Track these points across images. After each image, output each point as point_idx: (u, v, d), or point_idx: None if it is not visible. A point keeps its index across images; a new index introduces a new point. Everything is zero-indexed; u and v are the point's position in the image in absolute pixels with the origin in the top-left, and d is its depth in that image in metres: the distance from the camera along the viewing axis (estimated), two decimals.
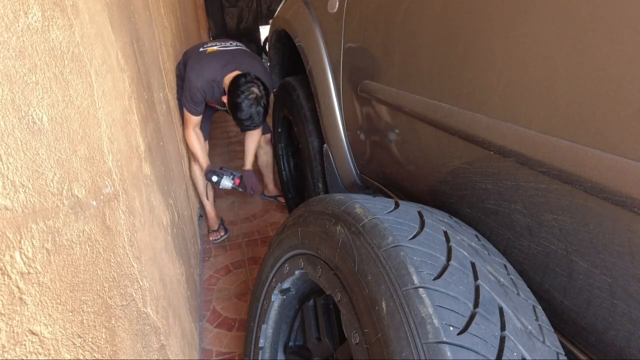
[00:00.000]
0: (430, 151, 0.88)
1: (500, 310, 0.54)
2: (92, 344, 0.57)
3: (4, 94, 0.44)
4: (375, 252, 0.59)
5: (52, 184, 0.51)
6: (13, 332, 0.42)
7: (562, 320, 0.66)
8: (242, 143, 2.33)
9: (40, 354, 0.45)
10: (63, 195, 0.54)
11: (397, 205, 0.71)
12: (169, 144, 1.57)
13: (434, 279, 0.54)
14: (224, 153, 3.45)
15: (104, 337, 0.61)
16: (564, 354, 0.58)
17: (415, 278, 0.53)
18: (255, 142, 2.21)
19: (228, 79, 1.81)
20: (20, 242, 0.44)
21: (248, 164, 2.22)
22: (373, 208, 0.68)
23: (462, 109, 0.72)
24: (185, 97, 1.88)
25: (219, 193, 2.76)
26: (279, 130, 2.27)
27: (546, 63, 0.56)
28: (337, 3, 1.25)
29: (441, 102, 0.78)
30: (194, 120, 1.97)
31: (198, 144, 2.05)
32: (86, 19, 0.70)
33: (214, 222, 2.23)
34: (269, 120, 2.39)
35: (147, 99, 1.22)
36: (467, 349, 0.47)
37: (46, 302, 0.48)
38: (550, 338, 0.58)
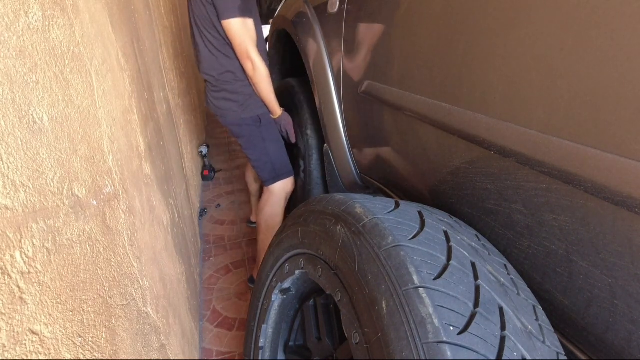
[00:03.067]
0: (431, 151, 0.88)
1: (501, 310, 0.54)
2: (93, 343, 0.57)
3: (5, 94, 0.44)
4: (376, 252, 0.59)
5: (52, 184, 0.51)
6: (13, 332, 0.42)
7: (562, 320, 0.66)
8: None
9: (40, 354, 0.45)
10: (63, 194, 0.54)
11: (397, 205, 0.71)
12: (170, 144, 1.58)
13: (434, 279, 0.54)
14: (224, 153, 3.45)
15: (104, 336, 0.61)
16: (564, 354, 0.58)
17: (415, 278, 0.53)
18: (267, 84, 1.53)
19: None
20: (20, 241, 0.44)
21: (276, 110, 1.63)
22: (373, 208, 0.68)
23: (462, 109, 0.72)
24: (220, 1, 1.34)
25: (219, 193, 2.76)
26: None
27: (546, 63, 0.56)
28: (337, 3, 1.25)
29: (442, 102, 0.78)
30: (250, 25, 1.39)
31: (270, 78, 1.51)
32: (87, 19, 0.70)
33: None
34: None
35: (148, 99, 1.22)
36: (467, 348, 0.47)
37: (46, 302, 0.48)
38: (551, 338, 0.58)
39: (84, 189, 0.60)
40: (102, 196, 0.67)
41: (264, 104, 1.59)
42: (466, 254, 0.61)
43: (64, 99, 0.57)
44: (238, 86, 1.51)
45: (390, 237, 0.59)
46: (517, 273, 0.69)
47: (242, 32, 1.38)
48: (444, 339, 0.47)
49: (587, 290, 0.58)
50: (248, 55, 1.42)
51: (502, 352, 0.49)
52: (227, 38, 1.41)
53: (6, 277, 0.41)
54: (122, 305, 0.70)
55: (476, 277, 0.57)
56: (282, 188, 1.68)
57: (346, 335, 0.62)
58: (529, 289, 0.66)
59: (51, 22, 0.56)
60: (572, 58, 0.52)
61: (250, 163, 1.70)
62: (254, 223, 2.27)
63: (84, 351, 0.55)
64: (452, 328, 0.49)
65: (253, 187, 2.18)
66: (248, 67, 1.45)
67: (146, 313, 0.82)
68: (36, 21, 0.52)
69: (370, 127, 1.15)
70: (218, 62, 1.47)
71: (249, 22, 1.40)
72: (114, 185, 0.73)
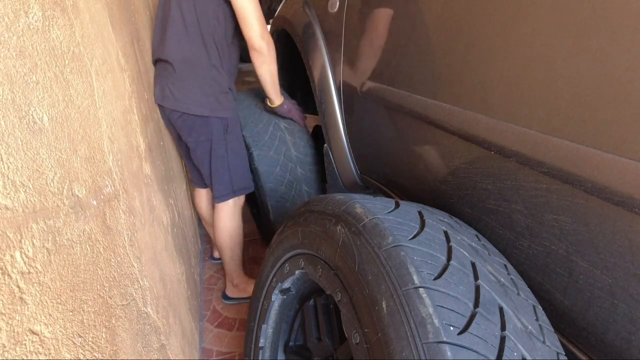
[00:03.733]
0: (431, 151, 0.88)
1: (501, 310, 0.54)
2: (93, 343, 0.57)
3: (5, 94, 0.44)
4: (376, 252, 0.59)
5: (52, 184, 0.51)
6: (13, 332, 0.42)
7: (562, 321, 0.66)
8: None
9: (40, 354, 0.45)
10: (63, 194, 0.54)
11: (397, 205, 0.71)
12: (170, 144, 1.58)
13: (435, 279, 0.54)
14: None
15: (104, 336, 0.61)
16: (564, 354, 0.58)
17: (415, 278, 0.53)
18: (271, 67, 1.37)
19: None
20: (20, 241, 0.44)
21: (276, 98, 1.52)
22: (373, 208, 0.68)
23: (462, 109, 0.72)
24: None
25: None
26: None
27: (547, 63, 0.56)
28: (337, 3, 1.25)
29: (442, 102, 0.78)
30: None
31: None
32: (86, 19, 0.70)
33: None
34: None
35: (148, 99, 1.22)
36: (468, 348, 0.47)
37: (46, 302, 0.48)
38: (551, 338, 0.58)
39: (84, 189, 0.60)
40: (102, 196, 0.67)
41: (233, 107, 1.41)
42: (466, 254, 0.61)
43: (64, 99, 0.57)
44: (213, 74, 1.32)
45: (390, 237, 0.59)
46: (517, 273, 0.69)
47: (259, 8, 1.21)
48: (444, 339, 0.47)
49: (587, 290, 0.58)
50: (263, 34, 1.24)
51: (502, 352, 0.49)
52: (218, 17, 1.25)
53: (6, 277, 0.41)
54: (122, 305, 0.70)
55: (476, 277, 0.57)
56: (236, 200, 1.55)
57: (346, 335, 0.62)
58: (529, 289, 0.66)
59: (51, 22, 0.56)
60: (572, 58, 0.52)
61: (203, 172, 1.48)
62: (219, 259, 1.95)
63: (84, 351, 0.55)
64: (452, 328, 0.49)
65: (208, 213, 1.78)
66: (263, 47, 1.26)
67: (146, 313, 0.82)
68: (36, 21, 0.52)
69: (371, 127, 1.15)
70: (190, 41, 1.27)
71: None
72: (114, 185, 0.73)
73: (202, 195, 1.72)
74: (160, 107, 1.38)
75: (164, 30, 1.30)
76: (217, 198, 1.49)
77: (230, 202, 1.53)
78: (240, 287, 1.71)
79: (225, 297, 1.74)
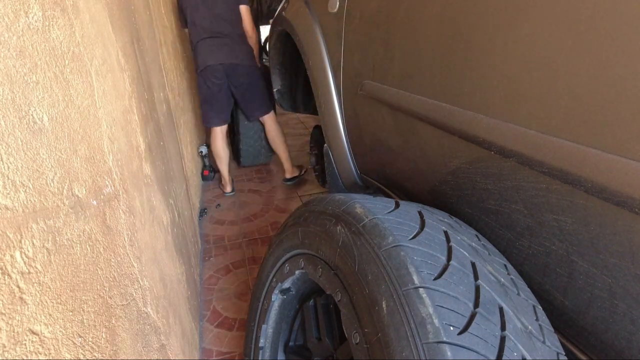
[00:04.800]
0: (431, 151, 0.88)
1: (501, 310, 0.54)
2: (93, 343, 0.57)
3: (5, 94, 0.44)
4: (376, 252, 0.59)
5: (52, 184, 0.51)
6: (13, 332, 0.42)
7: (562, 321, 0.66)
8: None
9: (40, 354, 0.45)
10: (63, 194, 0.54)
11: (397, 205, 0.71)
12: (169, 144, 1.57)
13: (434, 279, 0.54)
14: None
15: (104, 336, 0.61)
16: (564, 354, 0.58)
17: (415, 278, 0.53)
18: (256, 45, 2.56)
19: None
20: (20, 241, 0.44)
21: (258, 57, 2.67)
22: (373, 208, 0.68)
23: (462, 109, 0.72)
24: None
25: (219, 193, 2.77)
26: None
27: (547, 63, 0.56)
28: (338, 3, 1.25)
29: (442, 102, 0.78)
30: None
31: None
32: (87, 19, 0.70)
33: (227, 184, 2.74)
34: None
35: (148, 99, 1.22)
36: (468, 348, 0.47)
37: (46, 302, 0.48)
38: (551, 338, 0.58)
39: (84, 189, 0.60)
40: (102, 196, 0.67)
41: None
42: (466, 254, 0.61)
43: (64, 99, 0.57)
44: (248, 42, 2.50)
45: (390, 237, 0.59)
46: (517, 273, 0.69)
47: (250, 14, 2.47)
48: (444, 339, 0.47)
49: (587, 290, 0.58)
50: (254, 27, 2.49)
51: (502, 352, 0.49)
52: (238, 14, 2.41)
53: (6, 277, 0.42)
54: (122, 305, 0.70)
55: (476, 277, 0.57)
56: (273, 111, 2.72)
57: (346, 335, 0.62)
58: (529, 289, 0.66)
59: (51, 22, 0.56)
60: (572, 58, 0.52)
61: (250, 100, 2.56)
62: (290, 180, 2.77)
63: (84, 351, 0.55)
64: (452, 328, 0.49)
65: (225, 153, 2.65)
66: (252, 31, 2.48)
67: (146, 313, 0.82)
68: (36, 21, 0.52)
69: (370, 127, 1.15)
70: (239, 22, 2.42)
71: None
72: (114, 185, 0.73)
73: (219, 137, 2.60)
74: (212, 66, 2.38)
75: (213, 14, 2.32)
76: (266, 111, 2.66)
77: (272, 113, 2.69)
78: (292, 170, 2.77)
79: (286, 180, 2.77)
